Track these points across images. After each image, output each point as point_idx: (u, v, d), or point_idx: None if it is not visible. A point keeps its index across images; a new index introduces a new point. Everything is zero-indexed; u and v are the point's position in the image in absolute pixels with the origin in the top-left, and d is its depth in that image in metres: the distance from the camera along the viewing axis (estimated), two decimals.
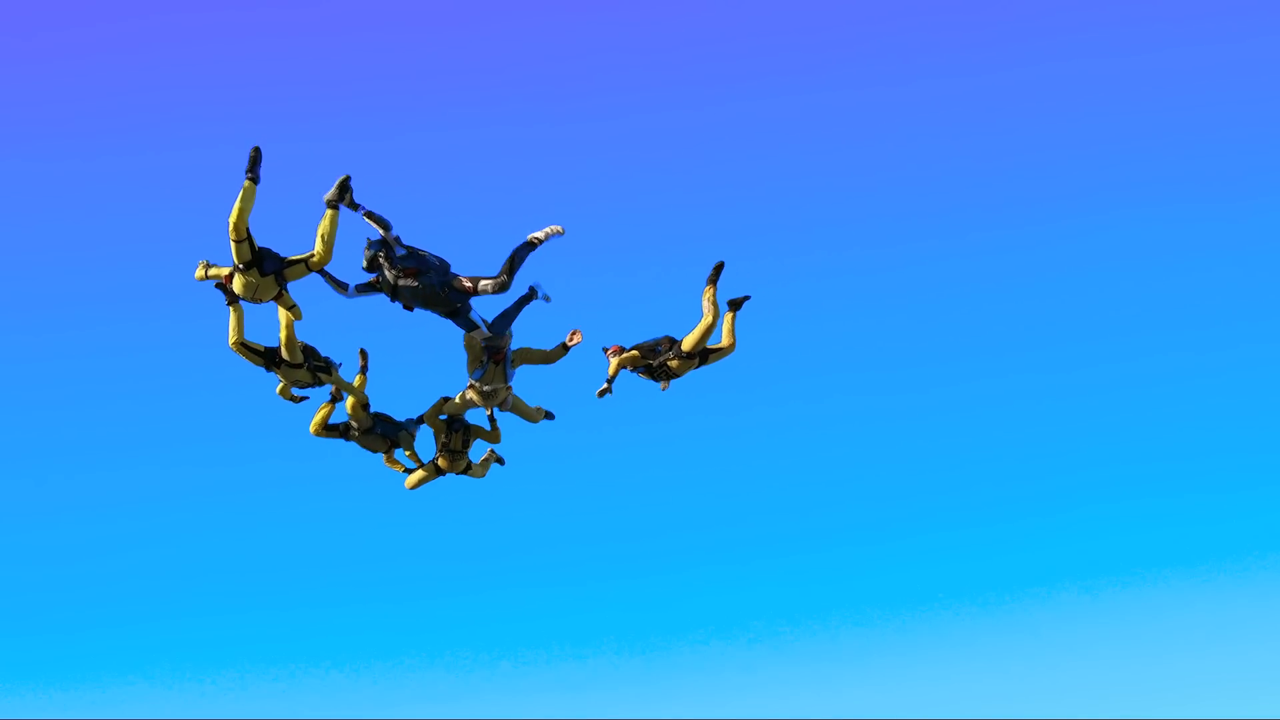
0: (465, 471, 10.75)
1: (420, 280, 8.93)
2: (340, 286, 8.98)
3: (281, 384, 10.15)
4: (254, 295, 8.80)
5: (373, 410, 10.55)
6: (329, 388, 10.41)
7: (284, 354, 9.76)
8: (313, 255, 8.70)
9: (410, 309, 9.08)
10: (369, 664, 17.85)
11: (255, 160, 8.33)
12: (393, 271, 8.88)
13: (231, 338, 9.61)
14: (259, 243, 8.73)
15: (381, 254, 8.90)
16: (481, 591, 18.13)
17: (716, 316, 10.18)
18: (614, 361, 10.15)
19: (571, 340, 9.80)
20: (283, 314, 9.58)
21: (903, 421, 18.87)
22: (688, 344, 10.13)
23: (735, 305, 10.43)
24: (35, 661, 17.87)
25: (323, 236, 8.64)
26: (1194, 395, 18.03)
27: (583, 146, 19.39)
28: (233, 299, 9.42)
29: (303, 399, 10.52)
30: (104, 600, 17.93)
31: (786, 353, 18.51)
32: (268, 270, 8.71)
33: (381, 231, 8.81)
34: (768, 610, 18.02)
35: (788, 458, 18.52)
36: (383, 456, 10.83)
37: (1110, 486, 17.81)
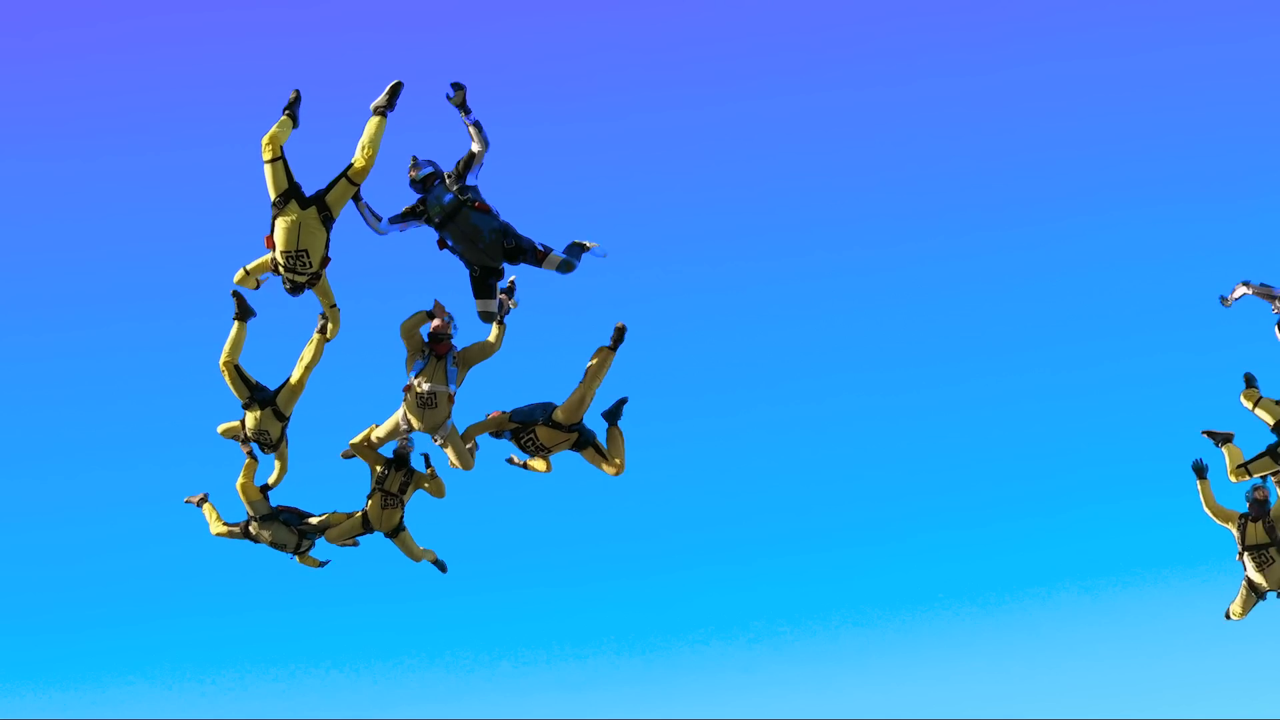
0: (396, 535, 9.85)
1: (487, 219, 8.16)
2: (374, 218, 8.14)
3: (236, 425, 9.29)
4: (297, 240, 7.85)
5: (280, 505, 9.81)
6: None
7: (280, 400, 9.00)
8: (351, 166, 7.90)
9: (446, 245, 8.26)
10: (369, 664, 17.86)
11: (294, 102, 7.84)
12: (460, 197, 8.09)
13: (225, 356, 8.91)
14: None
15: (441, 177, 8.18)
16: (481, 591, 18.13)
17: (591, 387, 9.04)
18: (482, 424, 9.29)
19: (509, 305, 8.90)
20: (310, 351, 8.93)
21: (903, 421, 18.86)
22: (560, 414, 9.17)
23: (613, 415, 9.46)
24: (35, 661, 17.90)
25: (364, 145, 7.91)
26: (1194, 395, 18.01)
27: (583, 146, 19.41)
28: (242, 313, 8.81)
29: (200, 497, 9.96)
30: (104, 600, 17.94)
31: (787, 352, 18.53)
32: (308, 202, 7.86)
33: (477, 148, 8.14)
34: (768, 610, 18.02)
35: (788, 457, 18.52)
36: (296, 557, 10.07)
37: (1110, 487, 17.80)
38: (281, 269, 8.01)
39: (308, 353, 9.00)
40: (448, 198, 8.13)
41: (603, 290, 18.38)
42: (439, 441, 8.99)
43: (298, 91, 7.86)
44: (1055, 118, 19.34)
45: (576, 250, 8.47)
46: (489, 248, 8.21)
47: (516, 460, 9.72)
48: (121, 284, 18.74)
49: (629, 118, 19.62)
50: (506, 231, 8.23)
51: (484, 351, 8.97)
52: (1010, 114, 19.47)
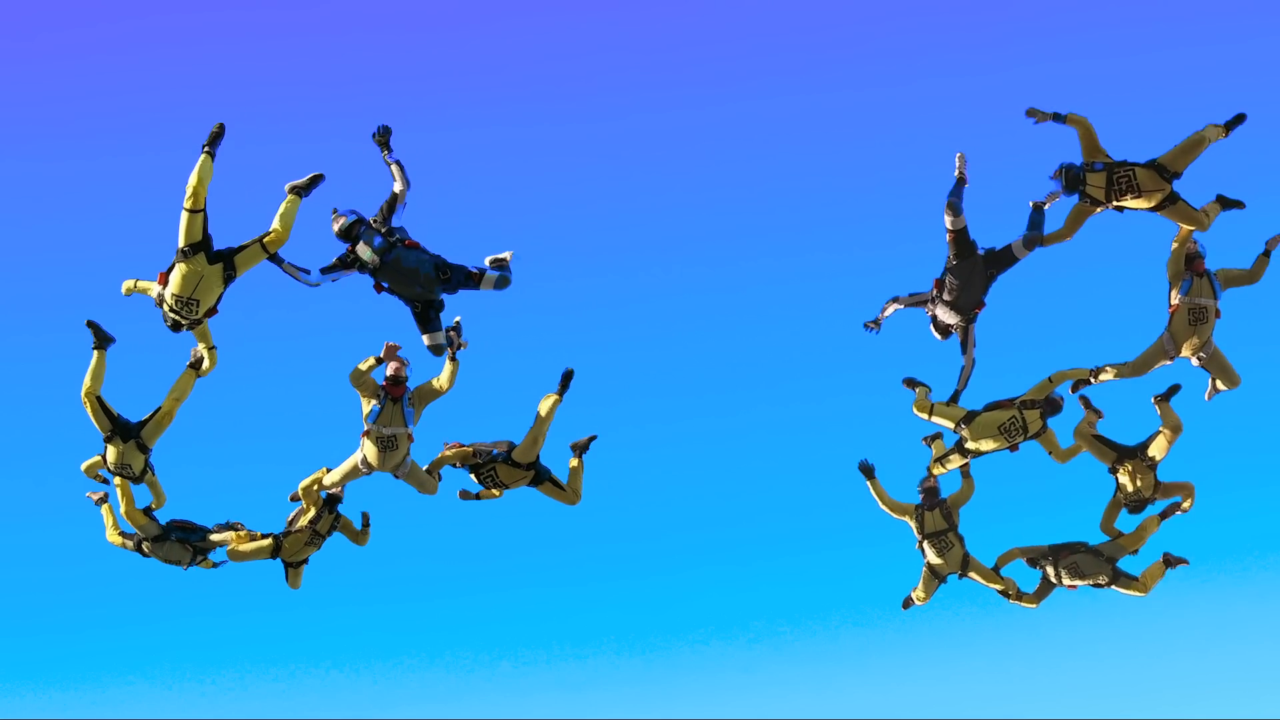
0: (297, 566, 9.88)
1: (418, 254, 8.26)
2: (300, 273, 8.24)
3: (97, 460, 9.22)
4: (193, 290, 7.86)
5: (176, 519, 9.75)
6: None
7: (145, 433, 8.90)
8: (268, 234, 7.96)
9: (382, 288, 8.37)
10: (369, 664, 17.87)
11: (217, 136, 7.74)
12: (388, 239, 8.17)
13: (86, 386, 8.82)
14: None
15: (366, 224, 8.24)
16: (481, 591, 18.14)
17: (542, 430, 9.43)
18: (443, 456, 9.56)
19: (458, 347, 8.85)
20: (180, 385, 8.93)
21: (903, 421, 18.82)
22: (517, 453, 9.58)
23: (580, 448, 9.90)
24: (35, 661, 17.91)
25: (282, 215, 7.97)
26: (1193, 394, 17.99)
27: (583, 146, 19.41)
28: (101, 341, 8.70)
29: (101, 495, 9.73)
30: (103, 600, 17.95)
31: (786, 352, 18.51)
32: (216, 257, 7.85)
33: (399, 188, 8.23)
34: (768, 610, 18.03)
35: (788, 457, 18.52)
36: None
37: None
38: (166, 307, 8.02)
39: (178, 387, 9.00)
40: (377, 241, 8.19)
41: (600, 291, 18.40)
42: (399, 476, 9.12)
43: (222, 125, 7.78)
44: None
45: (503, 264, 8.55)
46: (427, 282, 8.31)
47: (470, 494, 9.95)
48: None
49: (629, 118, 19.63)
50: (439, 263, 8.33)
51: (438, 390, 8.97)
52: (1010, 114, 19.44)
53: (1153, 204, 9.00)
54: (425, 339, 8.66)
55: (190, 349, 9.08)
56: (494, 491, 9.82)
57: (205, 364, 8.95)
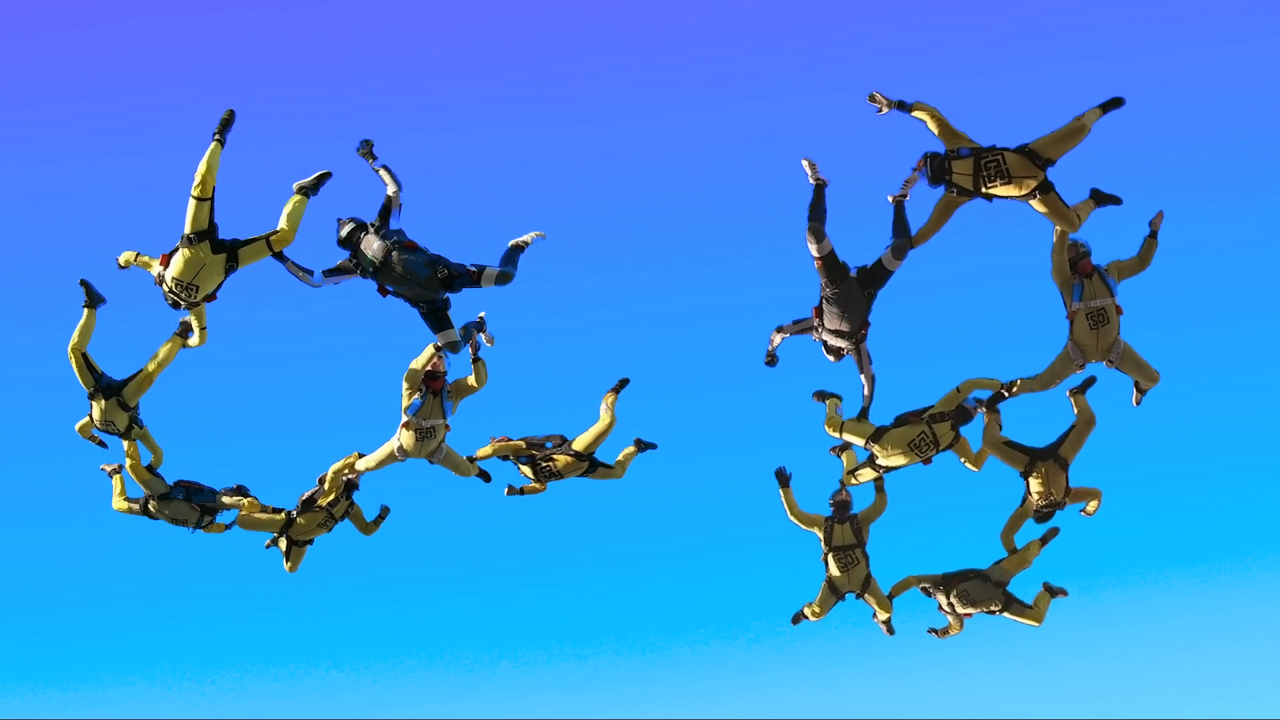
0: (302, 545, 10.00)
1: (417, 255, 8.29)
2: (304, 273, 8.30)
3: (87, 421, 9.40)
4: (194, 276, 7.93)
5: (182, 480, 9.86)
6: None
7: (127, 392, 9.09)
8: (274, 233, 8.03)
9: (386, 293, 8.42)
10: (369, 664, 17.92)
11: (226, 124, 7.79)
12: (387, 242, 8.23)
13: (74, 341, 9.01)
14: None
15: (366, 229, 8.33)
16: (481, 591, 18.19)
17: (613, 422, 9.88)
18: (492, 449, 9.82)
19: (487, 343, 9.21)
20: (165, 350, 9.10)
21: None
22: (579, 444, 9.89)
23: (642, 446, 10.31)
24: (35, 662, 17.96)
25: (289, 215, 8.02)
26: (1195, 394, 18.05)
27: (583, 146, 19.45)
28: (92, 300, 8.87)
29: (115, 467, 9.89)
30: (103, 600, 18.00)
31: (786, 351, 18.51)
32: (219, 247, 7.92)
33: (391, 191, 8.32)
34: (768, 610, 18.04)
35: (788, 457, 18.51)
36: (200, 530, 10.00)
37: (1108, 486, 17.79)
38: (166, 288, 8.13)
39: (163, 351, 9.12)
40: (376, 245, 8.22)
41: (598, 291, 18.43)
42: (435, 461, 9.37)
43: (232, 112, 7.84)
44: (1055, 118, 19.34)
45: (514, 254, 8.53)
46: (427, 282, 8.34)
47: (515, 489, 10.29)
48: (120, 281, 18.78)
49: (629, 118, 19.67)
50: (438, 262, 8.36)
51: (473, 387, 9.39)
52: (1010, 114, 19.47)
53: (1024, 192, 8.42)
54: (439, 338, 8.74)
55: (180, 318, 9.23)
56: (538, 485, 10.11)
57: (195, 338, 9.12)
